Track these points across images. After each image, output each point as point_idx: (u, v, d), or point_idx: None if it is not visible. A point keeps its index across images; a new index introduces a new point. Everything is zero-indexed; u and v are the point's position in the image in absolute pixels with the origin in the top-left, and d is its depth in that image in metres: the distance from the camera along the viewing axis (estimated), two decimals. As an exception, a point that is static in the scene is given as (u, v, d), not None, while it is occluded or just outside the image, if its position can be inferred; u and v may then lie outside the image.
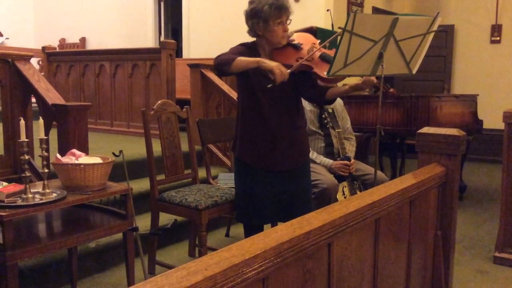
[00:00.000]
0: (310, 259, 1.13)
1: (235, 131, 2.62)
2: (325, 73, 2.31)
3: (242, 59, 2.30)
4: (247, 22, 2.46)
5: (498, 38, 6.90)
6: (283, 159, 2.52)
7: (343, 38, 2.17)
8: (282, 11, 2.37)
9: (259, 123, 2.49)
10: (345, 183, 3.18)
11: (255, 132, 2.52)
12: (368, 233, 1.42)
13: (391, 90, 4.45)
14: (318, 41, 2.52)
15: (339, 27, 2.21)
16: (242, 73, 2.40)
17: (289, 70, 2.25)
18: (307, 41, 2.48)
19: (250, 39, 2.56)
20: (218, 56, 2.40)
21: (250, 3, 2.44)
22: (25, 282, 2.46)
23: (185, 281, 0.81)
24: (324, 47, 2.42)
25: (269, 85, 2.24)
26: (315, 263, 1.16)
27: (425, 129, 1.94)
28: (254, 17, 2.40)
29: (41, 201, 2.07)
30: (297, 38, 2.51)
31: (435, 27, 2.37)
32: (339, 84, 2.72)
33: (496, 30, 6.88)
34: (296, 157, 2.57)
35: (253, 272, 0.93)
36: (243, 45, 2.51)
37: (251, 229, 2.67)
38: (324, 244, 1.17)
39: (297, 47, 2.45)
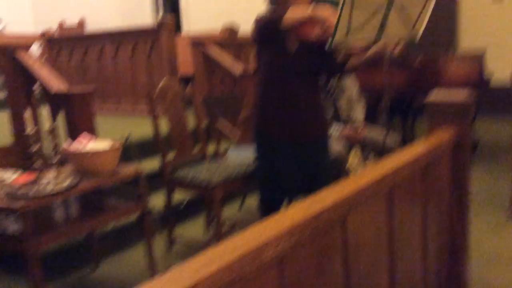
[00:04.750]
0: (325, 237, 1.13)
1: (255, 102, 2.59)
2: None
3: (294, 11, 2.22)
4: None
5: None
6: (301, 130, 2.49)
7: (345, 5, 2.11)
8: None
9: (278, 93, 2.46)
10: (355, 150, 3.17)
11: (274, 102, 2.48)
12: (382, 205, 1.41)
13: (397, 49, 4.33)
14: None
15: None
16: (263, 40, 2.38)
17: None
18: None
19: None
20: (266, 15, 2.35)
21: None
22: (48, 267, 2.51)
23: (201, 272, 0.81)
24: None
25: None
26: (330, 240, 1.16)
27: (434, 94, 1.90)
28: None
29: (54, 190, 2.08)
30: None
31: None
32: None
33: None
34: (314, 130, 2.54)
35: (269, 256, 0.93)
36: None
37: (268, 206, 2.66)
38: (338, 221, 1.17)
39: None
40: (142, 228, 2.51)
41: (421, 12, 2.34)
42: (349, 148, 3.12)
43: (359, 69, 2.48)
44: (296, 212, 1.07)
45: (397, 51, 2.40)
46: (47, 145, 2.58)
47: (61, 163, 2.38)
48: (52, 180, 2.17)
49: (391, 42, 2.36)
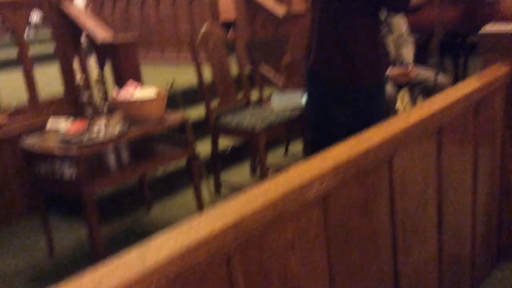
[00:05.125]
0: (370, 176, 1.12)
1: (308, 44, 2.49)
2: None
3: None
4: None
5: None
6: (359, 74, 2.36)
7: None
8: None
9: (335, 33, 2.29)
10: (404, 91, 3.06)
11: (332, 43, 2.32)
12: (431, 144, 1.37)
13: None
14: None
15: None
16: None
17: None
18: None
19: None
20: None
21: None
22: (104, 210, 2.65)
23: (245, 208, 0.83)
24: None
25: None
26: (376, 179, 1.15)
27: (488, 27, 1.78)
28: None
29: (105, 137, 2.16)
30: None
31: None
32: None
33: None
34: (372, 73, 2.38)
35: (312, 194, 0.94)
36: None
37: (317, 151, 2.61)
38: (384, 159, 1.15)
39: None
40: (190, 173, 2.58)
41: None
42: (398, 89, 3.02)
43: (424, 7, 2.29)
44: (341, 151, 1.06)
45: None
46: (96, 94, 2.65)
47: (110, 111, 2.45)
48: (103, 128, 2.25)
49: None
